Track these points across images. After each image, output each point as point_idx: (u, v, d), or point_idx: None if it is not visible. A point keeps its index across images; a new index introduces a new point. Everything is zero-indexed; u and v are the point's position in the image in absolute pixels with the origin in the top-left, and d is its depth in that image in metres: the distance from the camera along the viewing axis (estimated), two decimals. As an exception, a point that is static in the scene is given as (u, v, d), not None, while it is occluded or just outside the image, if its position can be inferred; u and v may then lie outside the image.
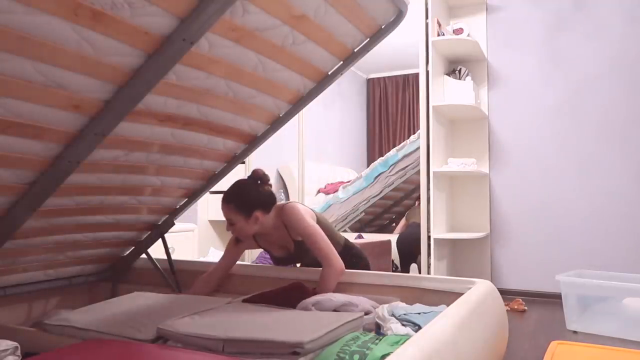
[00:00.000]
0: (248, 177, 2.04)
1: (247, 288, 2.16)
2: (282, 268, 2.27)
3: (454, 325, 1.26)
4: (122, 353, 1.33)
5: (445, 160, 3.79)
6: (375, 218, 5.14)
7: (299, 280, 2.00)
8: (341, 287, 2.00)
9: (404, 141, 4.95)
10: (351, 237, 4.22)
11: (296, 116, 2.34)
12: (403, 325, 1.58)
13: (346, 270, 2.06)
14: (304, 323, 1.49)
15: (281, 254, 2.17)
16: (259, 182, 2.01)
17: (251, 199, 1.96)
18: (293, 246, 2.09)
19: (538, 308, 3.35)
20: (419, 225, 3.84)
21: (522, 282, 3.78)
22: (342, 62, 1.98)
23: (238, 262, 2.29)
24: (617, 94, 3.59)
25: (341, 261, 1.94)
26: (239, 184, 2.00)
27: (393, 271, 4.25)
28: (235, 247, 2.20)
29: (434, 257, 3.52)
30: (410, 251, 4.06)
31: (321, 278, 1.93)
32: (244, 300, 1.90)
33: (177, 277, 2.41)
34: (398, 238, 4.23)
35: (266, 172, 2.04)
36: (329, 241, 1.96)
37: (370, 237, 4.31)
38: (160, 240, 2.41)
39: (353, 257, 2.22)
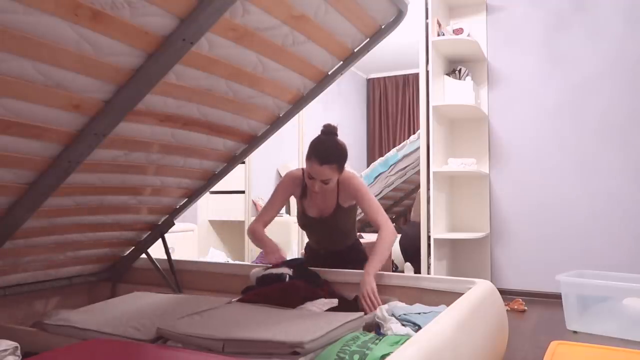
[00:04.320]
0: (326, 133, 1.99)
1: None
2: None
3: (454, 325, 1.26)
4: (122, 353, 1.32)
5: (445, 160, 3.79)
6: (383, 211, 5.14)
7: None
8: (341, 287, 2.00)
9: (404, 141, 4.95)
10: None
11: (296, 116, 2.34)
12: (403, 325, 1.58)
13: (346, 270, 2.06)
14: (304, 323, 1.49)
15: (314, 214, 2.12)
16: (337, 135, 2.01)
17: (345, 154, 1.98)
18: (332, 210, 2.09)
19: (538, 308, 3.35)
20: (418, 224, 3.84)
21: (522, 282, 3.78)
22: (342, 62, 1.98)
23: (237, 262, 2.29)
24: (617, 94, 3.59)
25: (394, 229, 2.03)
26: (331, 143, 1.95)
27: (393, 271, 4.25)
28: (284, 196, 2.16)
29: (434, 257, 3.52)
30: (413, 251, 4.05)
31: (379, 241, 1.97)
32: (242, 299, 1.90)
33: (177, 277, 2.41)
34: (400, 239, 4.22)
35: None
36: None
37: (370, 237, 4.31)
38: (160, 240, 2.41)
39: (360, 252, 2.25)
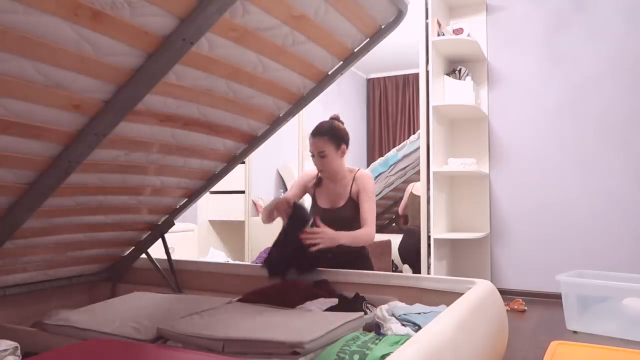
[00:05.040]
0: (330, 118, 2.24)
1: (246, 288, 2.16)
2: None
3: (454, 325, 1.26)
4: (122, 353, 1.33)
5: (445, 160, 3.79)
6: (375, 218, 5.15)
7: (298, 280, 2.01)
8: (341, 287, 2.00)
9: (404, 141, 4.95)
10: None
11: (296, 116, 2.34)
12: (403, 325, 1.58)
13: (346, 270, 2.07)
14: (304, 323, 1.49)
15: (326, 205, 2.23)
16: (338, 121, 2.24)
17: (341, 133, 2.18)
18: (344, 202, 2.19)
19: (538, 308, 3.35)
20: (413, 232, 3.85)
21: (522, 282, 3.78)
22: (342, 62, 1.98)
23: (237, 262, 2.29)
24: (617, 93, 3.59)
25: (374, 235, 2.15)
26: (328, 122, 2.20)
27: (393, 271, 4.25)
28: (298, 188, 2.30)
29: (434, 257, 3.52)
30: (412, 259, 4.06)
31: (357, 231, 2.08)
32: (242, 299, 1.90)
33: (177, 277, 2.41)
34: (399, 249, 4.22)
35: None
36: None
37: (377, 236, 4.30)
38: (160, 240, 2.41)
39: (367, 261, 2.27)
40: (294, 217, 2.01)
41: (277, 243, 2.07)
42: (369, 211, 2.15)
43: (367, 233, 2.11)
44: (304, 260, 2.01)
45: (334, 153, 2.14)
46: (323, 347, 1.37)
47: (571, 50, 3.73)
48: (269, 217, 2.13)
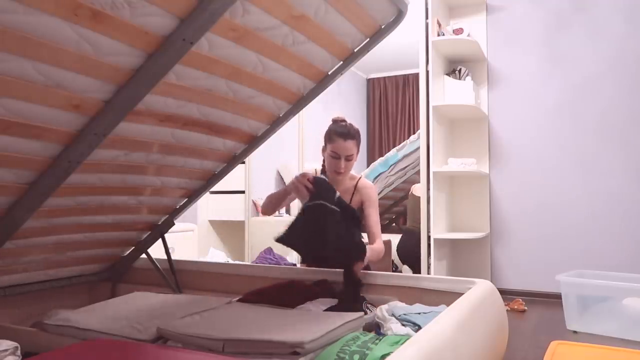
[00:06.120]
0: (339, 120, 2.20)
1: (247, 288, 2.16)
2: (283, 268, 2.28)
3: (454, 325, 1.26)
4: (122, 353, 1.32)
5: (445, 160, 3.78)
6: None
7: (298, 280, 2.01)
8: (342, 287, 2.00)
9: (404, 141, 4.95)
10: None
11: (296, 116, 2.34)
12: (403, 325, 1.58)
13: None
14: (304, 323, 1.49)
15: None
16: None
17: (360, 136, 2.19)
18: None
19: (538, 308, 3.35)
20: (413, 232, 3.85)
21: (522, 282, 3.78)
22: (342, 62, 1.98)
23: (237, 262, 2.29)
24: (617, 93, 3.59)
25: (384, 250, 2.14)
26: (350, 125, 2.16)
27: (393, 271, 4.25)
28: None
29: (434, 257, 3.52)
30: (412, 260, 4.06)
31: (373, 246, 2.07)
32: (242, 299, 1.90)
33: (177, 277, 2.41)
34: (398, 249, 4.23)
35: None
36: None
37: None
38: (160, 240, 2.41)
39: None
40: (320, 194, 1.75)
41: (308, 224, 1.77)
42: (377, 225, 2.14)
43: (379, 249, 2.09)
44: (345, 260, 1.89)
45: (355, 157, 2.15)
46: (323, 347, 1.36)
47: (571, 50, 3.73)
48: (276, 205, 2.04)
